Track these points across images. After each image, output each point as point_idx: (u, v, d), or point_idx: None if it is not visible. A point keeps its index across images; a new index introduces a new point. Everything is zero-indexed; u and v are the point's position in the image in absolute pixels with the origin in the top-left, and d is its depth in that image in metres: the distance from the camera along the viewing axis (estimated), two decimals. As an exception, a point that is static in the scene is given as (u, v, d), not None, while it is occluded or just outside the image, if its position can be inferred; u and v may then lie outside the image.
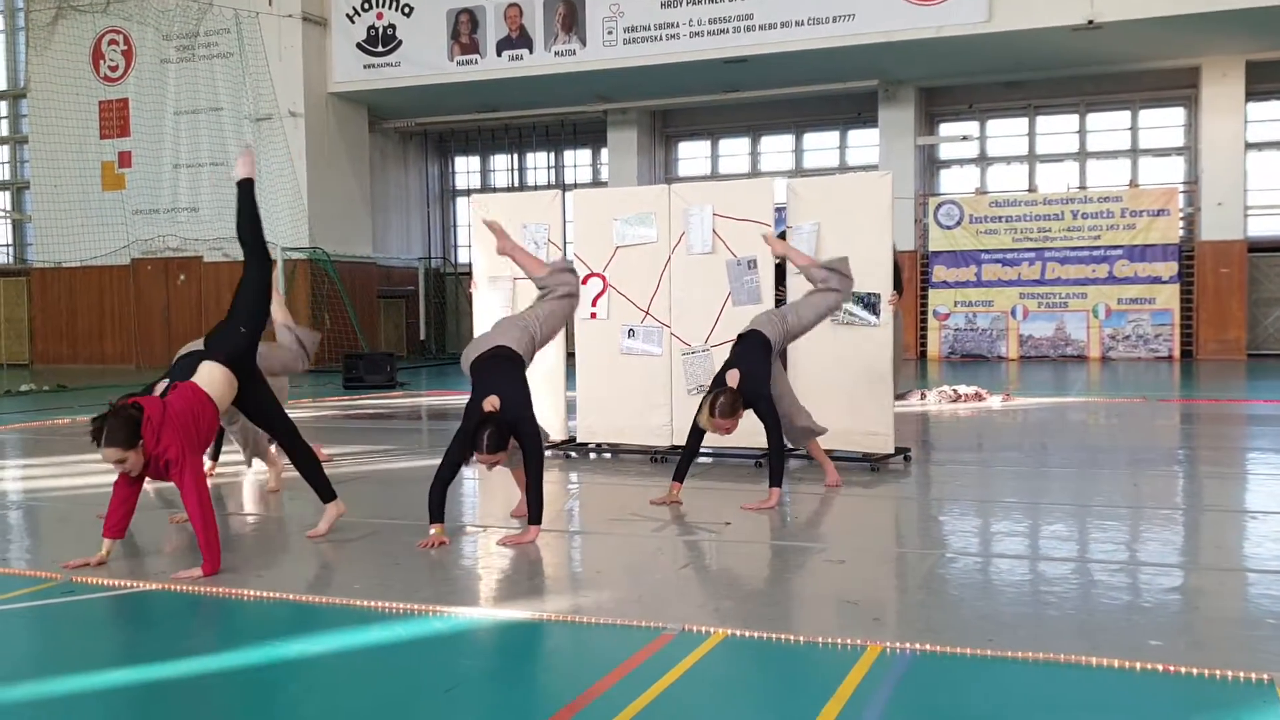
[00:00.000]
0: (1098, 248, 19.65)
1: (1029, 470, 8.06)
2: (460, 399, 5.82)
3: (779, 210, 8.41)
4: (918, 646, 3.95)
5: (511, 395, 5.86)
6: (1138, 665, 3.72)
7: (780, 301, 8.30)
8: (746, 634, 4.12)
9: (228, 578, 5.08)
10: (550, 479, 7.99)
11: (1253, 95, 19.40)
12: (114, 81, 22.04)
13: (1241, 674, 3.61)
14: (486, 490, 7.64)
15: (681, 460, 6.86)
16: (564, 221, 9.27)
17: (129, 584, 5.00)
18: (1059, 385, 15.12)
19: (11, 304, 23.72)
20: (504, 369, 5.97)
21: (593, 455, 8.89)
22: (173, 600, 4.82)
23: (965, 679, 3.73)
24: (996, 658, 3.85)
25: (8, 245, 25.91)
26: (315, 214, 20.80)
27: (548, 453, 8.86)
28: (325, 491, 5.98)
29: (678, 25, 18.82)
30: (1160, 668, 3.70)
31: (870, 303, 7.91)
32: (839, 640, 4.02)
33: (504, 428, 5.67)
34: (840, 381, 7.99)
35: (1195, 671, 3.65)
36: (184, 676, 3.90)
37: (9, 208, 25.33)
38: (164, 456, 5.10)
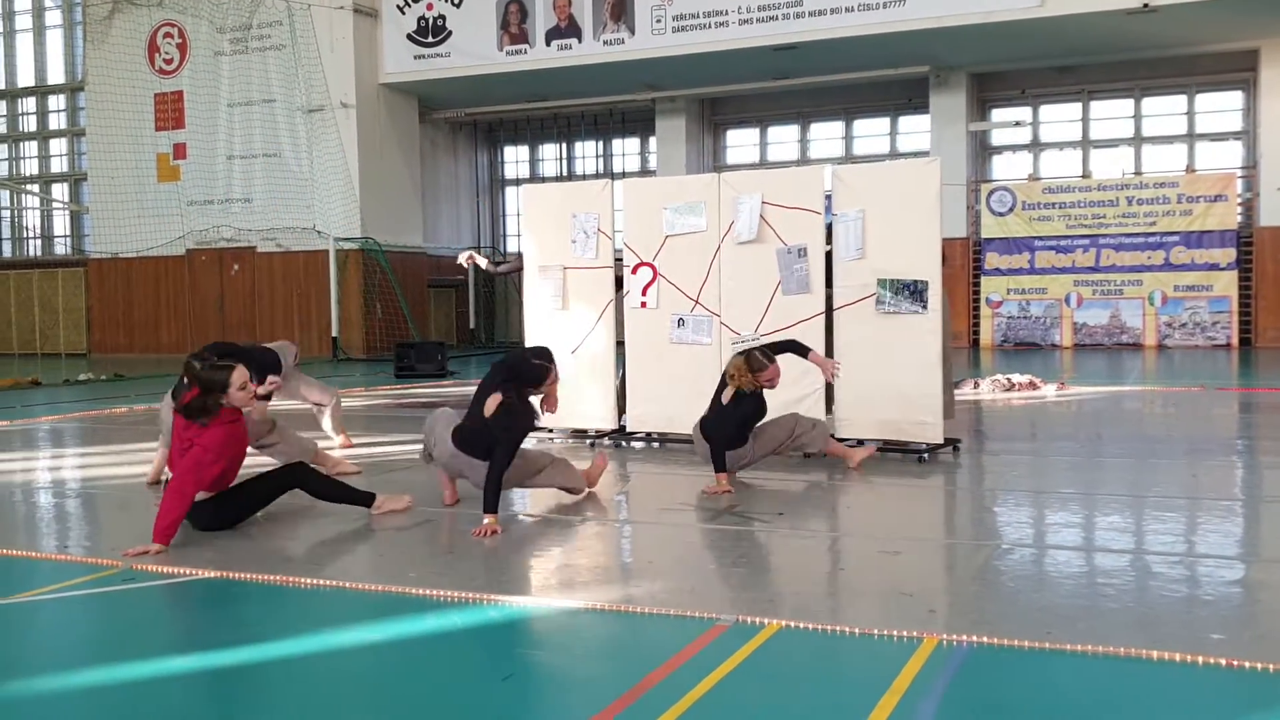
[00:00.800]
0: (1153, 234, 19.36)
1: (1084, 460, 7.96)
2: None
3: (827, 197, 8.35)
4: (974, 639, 3.92)
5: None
6: (1200, 659, 3.66)
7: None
8: (801, 625, 4.11)
9: (285, 565, 5.13)
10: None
11: (1314, 78, 19.00)
12: (169, 74, 22.32)
13: (1307, 669, 3.55)
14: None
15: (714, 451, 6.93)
16: (613, 210, 9.27)
17: (188, 571, 5.07)
18: (1114, 374, 14.92)
19: (70, 294, 24.12)
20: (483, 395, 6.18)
21: (639, 445, 8.89)
22: (231, 587, 4.88)
23: (1022, 672, 3.69)
24: (1055, 650, 3.80)
25: (66, 236, 26.35)
26: (367, 204, 20.97)
27: (606, 442, 8.93)
28: (364, 500, 6.17)
29: (727, 13, 18.74)
30: (1224, 662, 3.64)
31: (918, 291, 7.83)
32: (894, 632, 3.99)
33: (517, 395, 6.12)
34: (888, 371, 7.91)
35: (1260, 666, 3.59)
36: (242, 664, 3.95)
37: (67, 199, 25.75)
38: (200, 439, 5.42)
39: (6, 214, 27.02)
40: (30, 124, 26.16)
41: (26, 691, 3.71)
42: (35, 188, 26.12)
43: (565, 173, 25.42)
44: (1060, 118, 21.58)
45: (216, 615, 4.62)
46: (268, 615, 4.56)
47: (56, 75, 25.55)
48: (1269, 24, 17.75)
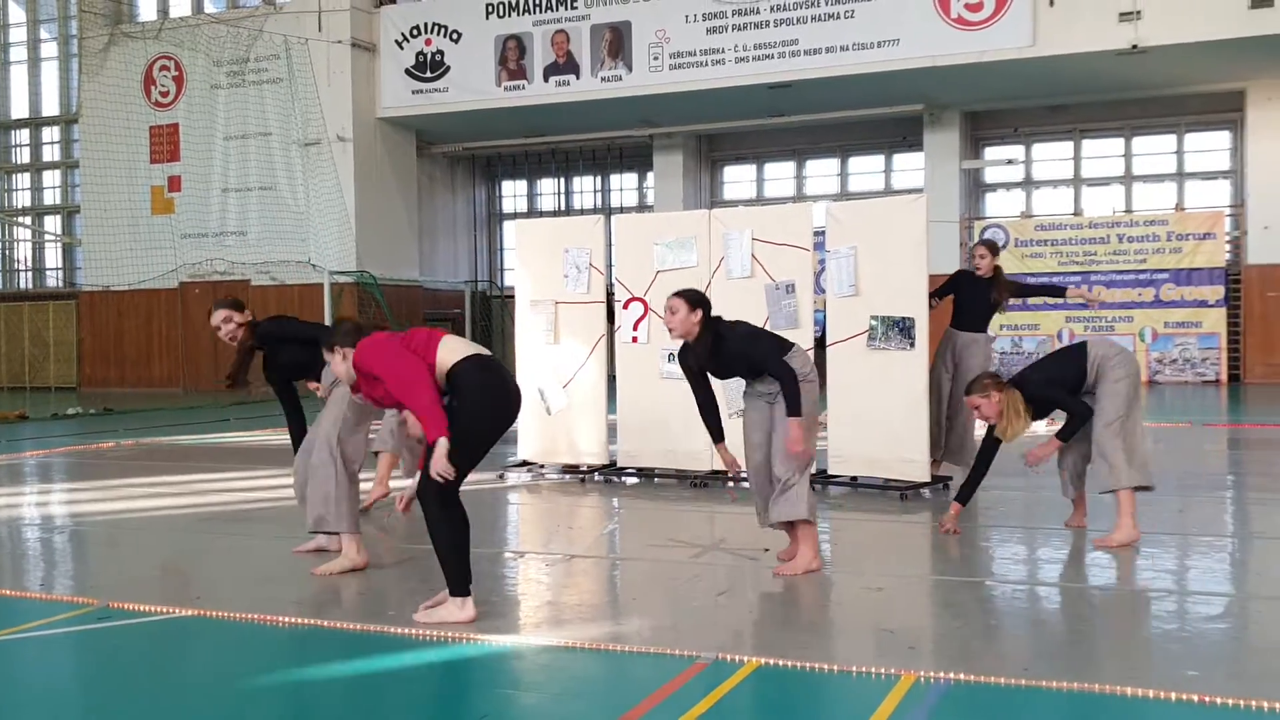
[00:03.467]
0: (1144, 271, 19.43)
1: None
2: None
3: (819, 234, 8.40)
4: (952, 676, 3.92)
5: None
6: (1174, 696, 3.67)
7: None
8: (780, 663, 4.11)
9: (263, 603, 5.12)
10: (591, 504, 8.04)
11: (1299, 118, 19.16)
12: (165, 107, 22.43)
13: (1279, 705, 3.56)
14: (526, 517, 7.67)
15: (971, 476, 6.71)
16: (607, 246, 9.32)
17: (164, 610, 5.05)
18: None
19: (60, 327, 24.11)
20: None
21: (631, 480, 8.89)
22: (207, 626, 4.87)
23: (998, 709, 3.70)
24: (1031, 687, 3.81)
25: (57, 269, 26.37)
26: (363, 238, 21.02)
27: (598, 478, 8.94)
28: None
29: (723, 51, 18.88)
30: (1197, 698, 3.65)
31: (906, 328, 7.86)
32: (873, 669, 4.00)
33: None
34: (874, 407, 7.94)
35: (1232, 702, 3.60)
36: (215, 703, 3.93)
37: (59, 232, 25.80)
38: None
39: (-2, 246, 27.07)
40: (24, 156, 26.19)
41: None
42: (27, 220, 26.16)
43: (563, 207, 25.51)
44: (1052, 156, 21.71)
45: (192, 654, 4.60)
46: (243, 654, 4.55)
47: (51, 107, 25.61)
48: (1255, 66, 17.90)
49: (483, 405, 4.73)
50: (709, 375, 5.72)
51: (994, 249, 8.49)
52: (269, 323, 6.44)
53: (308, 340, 6.14)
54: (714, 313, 5.66)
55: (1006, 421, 6.33)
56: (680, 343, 5.72)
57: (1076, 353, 6.50)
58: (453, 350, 4.78)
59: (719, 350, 5.58)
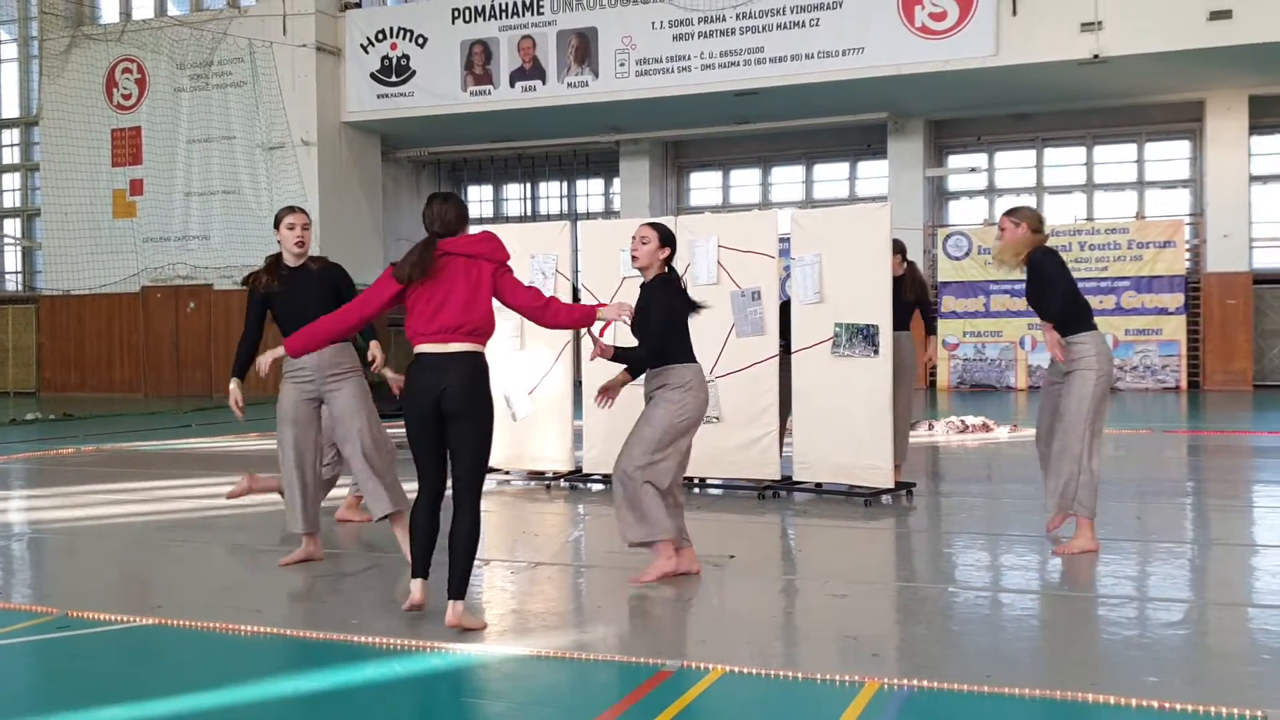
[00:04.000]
0: (1105, 279, 19.63)
1: (1035, 503, 7.98)
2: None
3: (784, 241, 8.41)
4: (915, 683, 3.94)
5: None
6: (1134, 702, 3.70)
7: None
8: (745, 670, 4.11)
9: (225, 612, 5.07)
10: (556, 510, 8.02)
11: (1256, 129, 19.46)
12: (127, 110, 22.23)
13: (1235, 710, 3.59)
14: (492, 524, 7.63)
15: None
16: (573, 252, 9.31)
17: (124, 619, 5.00)
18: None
19: (19, 331, 23.79)
20: None
21: (596, 486, 8.88)
22: (168, 634, 4.81)
23: (962, 716, 3.72)
24: (993, 694, 3.83)
25: (17, 272, 26.05)
26: (327, 242, 20.82)
27: (563, 484, 8.93)
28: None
29: (689, 58, 18.93)
30: (1156, 704, 3.68)
31: (870, 335, 7.90)
32: (836, 676, 4.01)
33: None
34: (839, 414, 7.96)
35: (1190, 708, 3.63)
36: (174, 714, 3.88)
37: (18, 235, 25.47)
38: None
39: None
40: (-17, 158, 25.91)
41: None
42: (-11, 223, 25.83)
43: (530, 212, 25.47)
44: (1015, 164, 21.92)
45: (152, 663, 4.55)
46: (204, 664, 4.49)
47: (11, 109, 25.31)
48: (1213, 76, 18.17)
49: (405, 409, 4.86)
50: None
51: (899, 249, 8.43)
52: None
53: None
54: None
55: (1007, 250, 6.44)
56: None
57: None
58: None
59: (655, 289, 5.53)
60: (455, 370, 4.72)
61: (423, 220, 4.94)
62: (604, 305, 5.28)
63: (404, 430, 4.85)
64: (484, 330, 4.84)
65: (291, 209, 6.25)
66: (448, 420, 4.75)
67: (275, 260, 6.19)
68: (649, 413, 5.55)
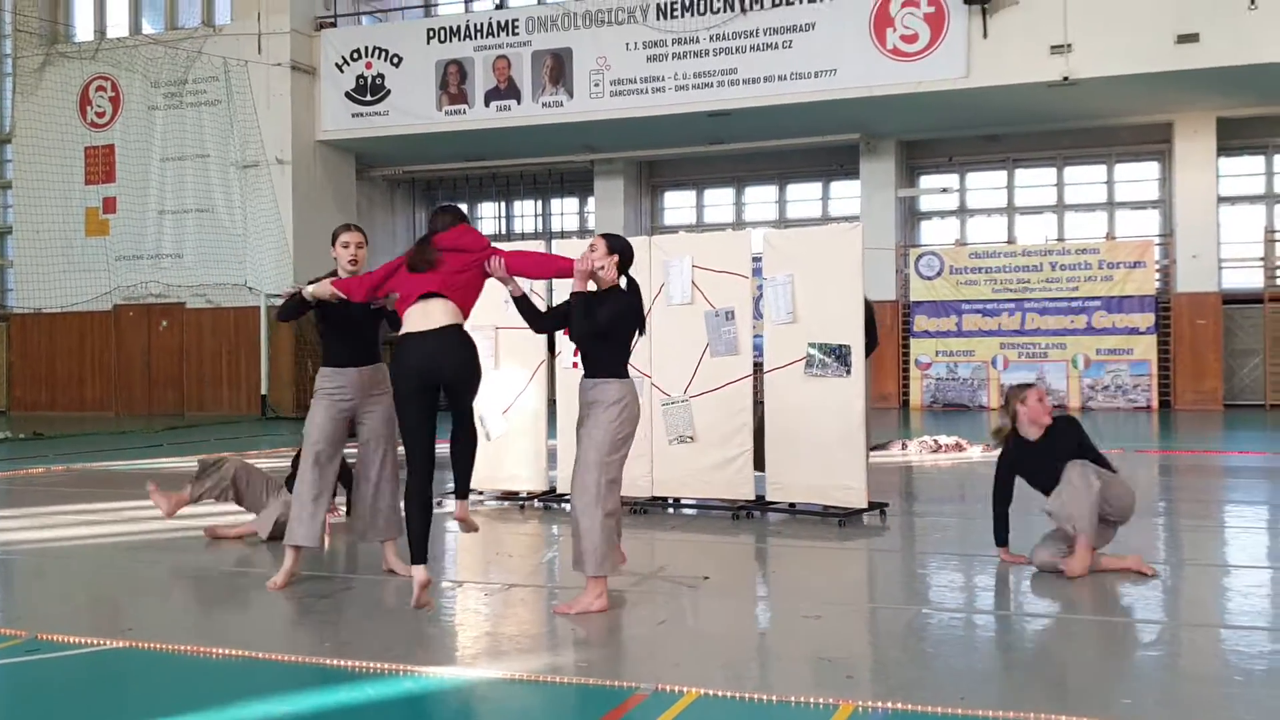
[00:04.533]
0: (1076, 299, 19.77)
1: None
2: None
3: (756, 260, 8.42)
4: (889, 705, 3.92)
5: None
6: (1108, 726, 3.70)
7: None
8: (719, 693, 4.09)
9: (196, 635, 5.01)
10: (529, 531, 7.98)
11: (1224, 150, 19.68)
12: (100, 128, 22.09)
13: (1212, 735, 3.60)
14: (465, 545, 7.58)
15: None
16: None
17: (95, 642, 4.93)
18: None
19: (-9, 349, 23.57)
20: None
21: (568, 507, 8.82)
22: (138, 657, 4.74)
23: (937, 740, 3.71)
24: (967, 716, 3.82)
25: (-12, 290, 25.79)
26: (301, 260, 20.75)
27: (537, 504, 8.89)
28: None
29: (663, 79, 19.00)
30: (1131, 729, 3.68)
31: (842, 354, 7.91)
32: (811, 699, 3.99)
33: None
34: (812, 434, 7.95)
35: (1165, 733, 3.64)
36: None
37: (-9, 252, 25.23)
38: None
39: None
40: (-46, 176, 25.67)
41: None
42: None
43: (504, 231, 25.42)
44: (986, 185, 22.07)
45: (121, 687, 4.48)
46: (174, 687, 4.43)
47: (-17, 127, 25.14)
48: (1182, 99, 18.36)
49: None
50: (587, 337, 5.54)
51: None
52: None
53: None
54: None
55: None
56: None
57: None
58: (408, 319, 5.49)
59: (608, 299, 5.50)
60: (447, 341, 5.45)
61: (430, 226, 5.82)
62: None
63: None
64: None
65: (348, 227, 6.32)
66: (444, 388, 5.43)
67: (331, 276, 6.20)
68: (589, 434, 5.48)
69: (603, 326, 5.42)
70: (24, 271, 22.56)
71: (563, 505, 8.78)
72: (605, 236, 5.70)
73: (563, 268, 5.67)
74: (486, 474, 9.13)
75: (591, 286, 5.53)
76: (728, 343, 8.28)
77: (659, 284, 8.52)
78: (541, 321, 5.92)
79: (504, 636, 5.07)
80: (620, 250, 5.62)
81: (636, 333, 5.63)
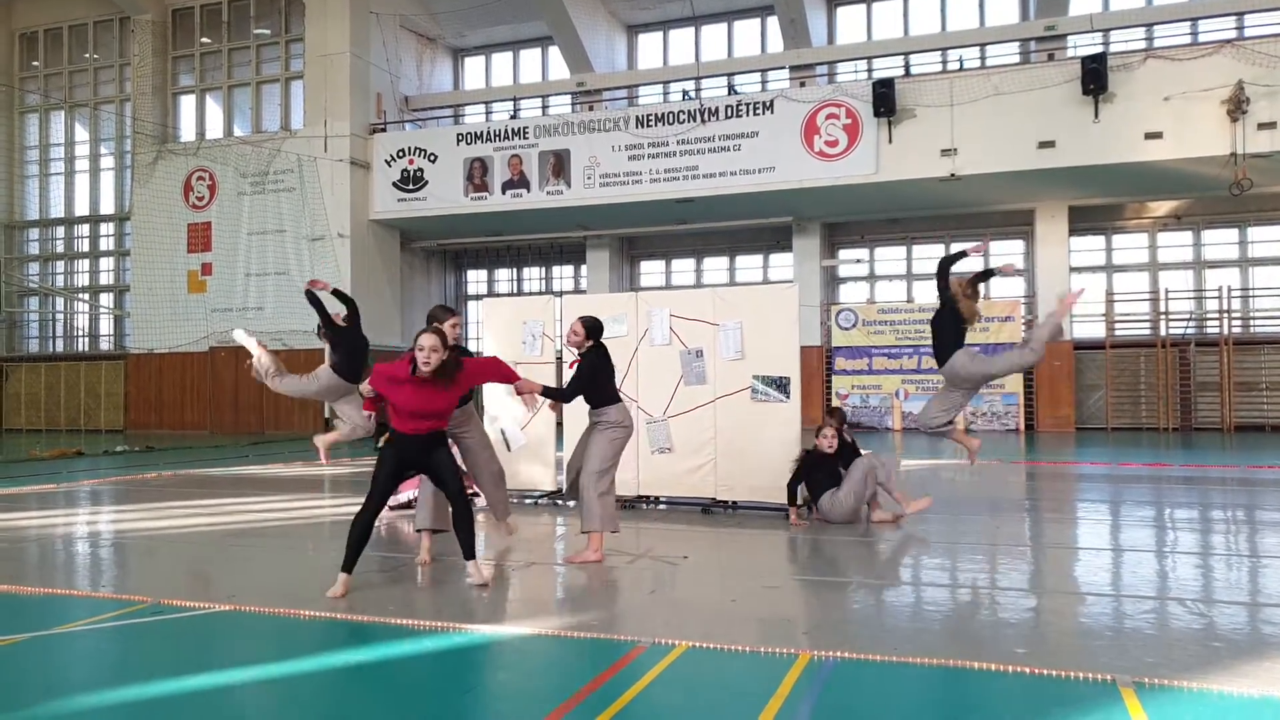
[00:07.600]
0: (961, 345, 19.82)
1: (914, 517, 8.02)
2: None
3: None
4: (838, 654, 3.91)
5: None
6: (1009, 668, 3.70)
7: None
8: (704, 645, 4.06)
9: (288, 599, 4.94)
10: (542, 521, 7.92)
11: (1074, 231, 19.92)
12: (200, 209, 21.98)
13: (1090, 674, 3.60)
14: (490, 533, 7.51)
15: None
16: (555, 320, 9.29)
17: (206, 605, 4.85)
18: (932, 451, 15.19)
19: (111, 381, 23.28)
20: None
21: (571, 504, 8.77)
22: (243, 619, 4.68)
23: (875, 679, 3.69)
24: (900, 662, 3.81)
25: (109, 335, 25.50)
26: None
27: (544, 501, 8.83)
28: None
29: (641, 174, 19.10)
30: (1027, 670, 3.68)
31: (782, 384, 7.94)
32: (777, 649, 3.97)
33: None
34: (757, 447, 7.98)
35: (1055, 673, 3.63)
36: (246, 682, 3.77)
37: (112, 306, 25.00)
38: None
39: (61, 317, 26.11)
40: (84, 245, 25.39)
41: (64, 710, 3.49)
42: (86, 296, 25.32)
43: (516, 290, 25.37)
44: (890, 257, 22.22)
45: (231, 641, 4.41)
46: (272, 641, 4.37)
47: (108, 207, 24.91)
48: (1042, 191, 18.62)
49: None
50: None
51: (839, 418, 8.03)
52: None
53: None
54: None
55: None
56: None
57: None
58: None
59: (584, 358, 6.08)
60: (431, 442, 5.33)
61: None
62: (523, 381, 5.83)
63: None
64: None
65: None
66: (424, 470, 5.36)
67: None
68: (594, 439, 6.06)
69: (584, 385, 6.04)
70: (139, 321, 22.34)
71: (567, 503, 8.73)
72: (581, 318, 6.23)
73: (508, 375, 5.72)
74: (507, 477, 9.05)
75: (570, 354, 6.21)
76: (697, 374, 8.29)
77: (644, 329, 8.53)
78: (566, 396, 6.13)
79: (528, 602, 5.02)
80: (589, 326, 6.17)
81: (612, 373, 6.17)
